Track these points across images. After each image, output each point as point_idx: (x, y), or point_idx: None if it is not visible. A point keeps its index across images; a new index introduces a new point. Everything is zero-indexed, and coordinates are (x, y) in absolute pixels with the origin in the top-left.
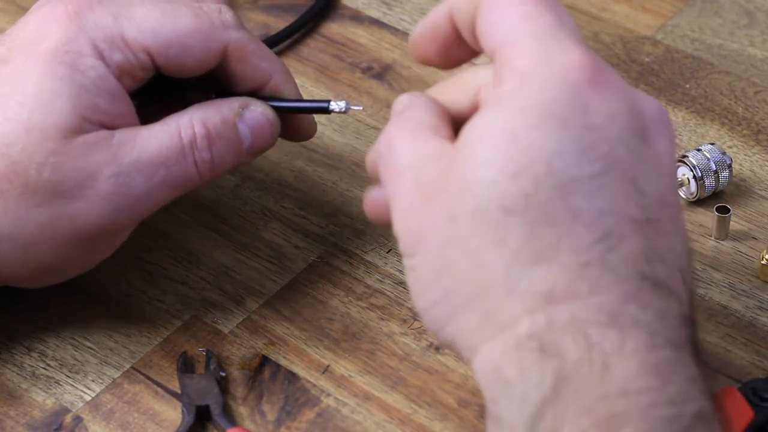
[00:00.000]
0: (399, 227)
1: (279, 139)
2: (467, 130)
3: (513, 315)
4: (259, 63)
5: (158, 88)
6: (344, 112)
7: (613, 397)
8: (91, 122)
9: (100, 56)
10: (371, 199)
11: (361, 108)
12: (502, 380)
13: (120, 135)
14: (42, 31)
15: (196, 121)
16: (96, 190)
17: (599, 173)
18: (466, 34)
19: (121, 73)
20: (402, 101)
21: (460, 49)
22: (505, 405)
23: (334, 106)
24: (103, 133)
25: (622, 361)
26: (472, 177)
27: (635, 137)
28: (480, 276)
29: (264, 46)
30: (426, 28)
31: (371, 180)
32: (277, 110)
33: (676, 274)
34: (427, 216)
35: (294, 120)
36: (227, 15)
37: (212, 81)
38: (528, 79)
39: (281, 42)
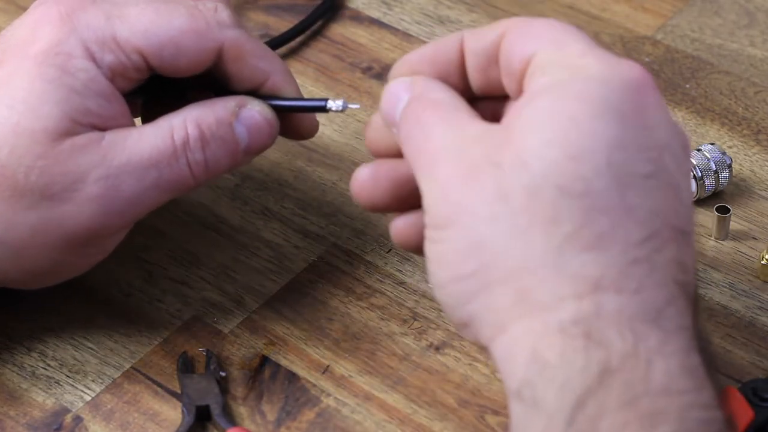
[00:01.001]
0: (434, 198)
1: (279, 138)
2: (524, 110)
3: (558, 296)
4: (257, 63)
5: (158, 87)
6: (342, 111)
7: (654, 395)
8: (82, 125)
9: (92, 58)
10: (402, 227)
11: (358, 106)
12: (540, 361)
13: (110, 137)
14: (34, 33)
15: (190, 122)
16: (84, 193)
17: (651, 175)
18: (473, 62)
19: (113, 74)
20: (414, 82)
21: (455, 81)
22: (543, 389)
23: (332, 104)
24: (93, 135)
25: (664, 360)
26: (530, 154)
27: (679, 148)
28: (524, 253)
29: (262, 45)
30: (427, 50)
31: (371, 151)
32: (274, 109)
33: (692, 288)
34: (473, 189)
35: (294, 118)
36: (223, 14)
37: (211, 80)
38: (585, 73)
39: (286, 43)
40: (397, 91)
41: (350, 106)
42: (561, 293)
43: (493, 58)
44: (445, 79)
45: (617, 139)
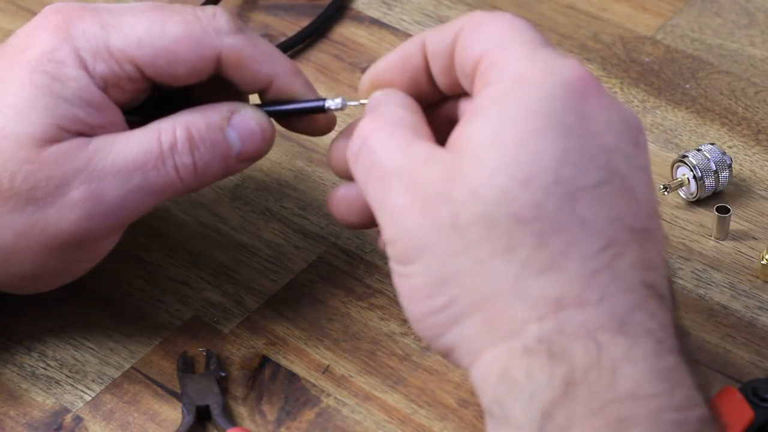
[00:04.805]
0: (393, 233)
1: (279, 139)
2: (469, 134)
3: (521, 321)
4: (258, 68)
5: (163, 106)
6: (341, 109)
7: (622, 401)
8: (69, 132)
9: (83, 67)
10: (340, 198)
11: (357, 103)
12: (508, 380)
13: (97, 141)
14: (30, 40)
15: (179, 125)
16: (68, 198)
17: (602, 182)
18: (435, 65)
19: (106, 84)
20: (375, 98)
21: (425, 86)
22: (511, 405)
23: (330, 103)
24: (79, 141)
25: (631, 366)
26: (481, 184)
27: (629, 146)
28: (487, 283)
29: (264, 48)
30: (394, 58)
31: (340, 175)
32: (273, 114)
33: (665, 282)
34: (429, 223)
35: (306, 115)
36: (221, 20)
37: (224, 97)
38: (525, 82)
39: (294, 47)
40: (369, 102)
41: (349, 103)
42: (524, 318)
43: (452, 59)
44: (416, 85)
45: (563, 154)
